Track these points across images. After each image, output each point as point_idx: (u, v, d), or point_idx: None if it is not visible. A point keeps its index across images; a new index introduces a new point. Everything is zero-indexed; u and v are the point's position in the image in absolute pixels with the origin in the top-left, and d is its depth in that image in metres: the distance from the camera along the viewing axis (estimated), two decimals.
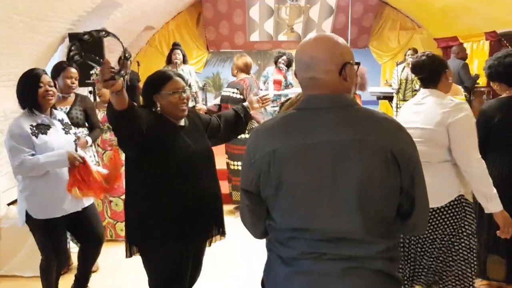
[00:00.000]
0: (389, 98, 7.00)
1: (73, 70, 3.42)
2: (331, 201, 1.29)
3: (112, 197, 4.00)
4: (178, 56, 5.93)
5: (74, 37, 5.29)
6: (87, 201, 2.83)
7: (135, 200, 2.16)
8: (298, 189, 1.31)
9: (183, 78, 2.23)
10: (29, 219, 2.65)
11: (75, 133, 2.79)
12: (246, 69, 4.86)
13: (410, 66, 2.82)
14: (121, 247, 2.45)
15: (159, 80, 2.18)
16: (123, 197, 2.36)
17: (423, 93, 2.45)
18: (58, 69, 3.41)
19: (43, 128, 2.61)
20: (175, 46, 6.16)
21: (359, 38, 8.69)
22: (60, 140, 2.66)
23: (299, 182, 1.31)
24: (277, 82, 7.05)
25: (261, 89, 6.90)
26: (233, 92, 4.66)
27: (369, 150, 1.28)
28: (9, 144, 2.55)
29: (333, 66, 1.35)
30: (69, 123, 2.84)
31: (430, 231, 2.36)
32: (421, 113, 2.39)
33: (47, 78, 2.64)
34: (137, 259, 2.21)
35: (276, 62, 6.94)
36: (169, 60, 6.10)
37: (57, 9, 4.71)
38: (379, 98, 7.46)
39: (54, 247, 2.71)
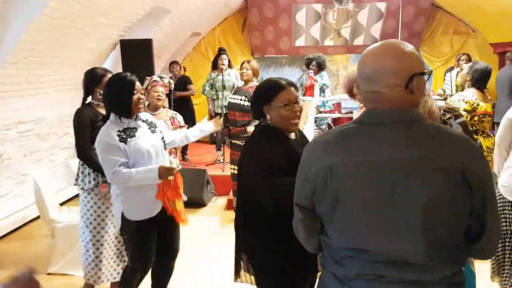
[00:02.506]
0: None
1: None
2: (390, 223, 1.21)
3: None
4: (224, 61, 5.97)
5: (125, 44, 5.46)
6: None
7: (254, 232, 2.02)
8: (356, 209, 1.24)
9: (296, 87, 2.06)
10: (124, 223, 2.61)
11: (160, 131, 2.76)
12: (257, 74, 4.81)
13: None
14: None
15: (271, 90, 2.01)
16: None
17: None
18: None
19: (130, 132, 2.55)
20: (221, 51, 6.21)
21: (409, 42, 8.34)
22: (149, 140, 2.60)
23: (357, 201, 1.24)
24: (308, 89, 7.00)
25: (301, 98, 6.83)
26: (241, 99, 4.53)
27: (436, 171, 1.18)
28: (101, 156, 2.51)
29: (399, 79, 1.25)
30: (154, 122, 2.77)
31: None
32: None
33: (139, 85, 2.60)
34: None
35: (308, 67, 6.95)
36: (215, 65, 6.17)
37: (109, 16, 4.87)
38: None
39: (143, 252, 2.64)
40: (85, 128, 2.96)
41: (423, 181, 1.18)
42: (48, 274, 3.63)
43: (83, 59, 5.02)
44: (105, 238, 3.10)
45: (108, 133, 2.51)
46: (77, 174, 3.11)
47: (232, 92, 4.91)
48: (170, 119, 3.64)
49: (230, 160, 4.89)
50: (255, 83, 4.75)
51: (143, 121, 2.67)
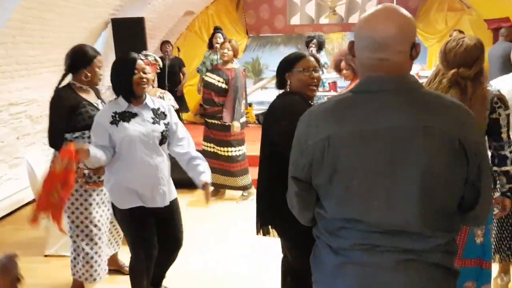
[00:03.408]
0: None
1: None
2: (389, 192, 1.21)
3: None
4: (219, 40, 5.88)
5: (117, 23, 5.36)
6: (174, 194, 2.70)
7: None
8: (354, 179, 1.23)
9: (317, 60, 2.28)
10: (116, 211, 2.58)
11: (166, 124, 2.59)
12: (237, 54, 4.89)
13: None
14: None
15: (293, 59, 2.24)
16: None
17: None
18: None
19: (127, 116, 2.48)
20: (217, 30, 6.11)
21: None
22: (142, 129, 2.48)
23: (355, 171, 1.22)
24: None
25: None
26: (220, 81, 4.63)
27: (435, 139, 1.18)
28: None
29: (407, 46, 1.24)
30: (165, 113, 2.62)
31: None
32: None
33: (142, 64, 2.51)
34: None
35: (307, 46, 6.86)
36: (211, 45, 6.07)
37: None
38: None
39: (140, 238, 2.56)
40: (61, 114, 2.71)
41: (422, 149, 1.18)
42: (45, 256, 3.64)
43: (74, 38, 4.92)
44: (96, 233, 2.88)
45: (103, 111, 2.51)
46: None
47: (210, 70, 4.88)
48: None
49: (204, 137, 4.92)
50: (235, 64, 4.76)
51: (152, 109, 2.57)
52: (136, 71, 2.45)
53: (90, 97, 2.86)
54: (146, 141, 2.49)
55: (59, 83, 2.83)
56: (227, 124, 4.67)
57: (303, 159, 1.30)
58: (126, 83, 2.46)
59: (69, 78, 2.85)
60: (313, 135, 1.27)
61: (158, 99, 2.72)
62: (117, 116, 2.47)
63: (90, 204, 2.84)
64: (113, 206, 2.57)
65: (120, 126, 2.45)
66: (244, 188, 4.89)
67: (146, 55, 3.42)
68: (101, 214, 2.92)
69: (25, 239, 4.05)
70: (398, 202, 1.20)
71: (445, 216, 1.25)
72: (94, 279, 2.92)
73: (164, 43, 6.88)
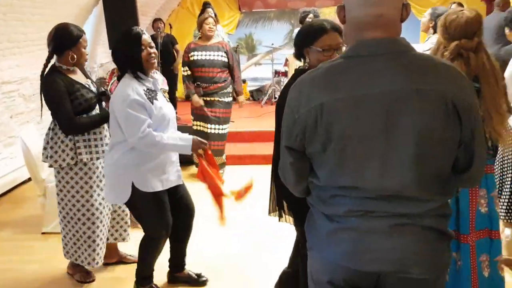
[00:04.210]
0: None
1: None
2: (384, 157, 1.21)
3: None
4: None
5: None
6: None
7: None
8: (348, 146, 1.22)
9: (340, 33, 1.98)
10: (135, 195, 2.44)
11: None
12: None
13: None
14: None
15: (314, 33, 1.99)
16: None
17: None
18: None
19: (154, 94, 2.39)
20: (206, 5, 6.05)
21: None
22: (168, 105, 2.45)
23: (350, 138, 1.22)
24: None
25: None
26: (221, 56, 4.55)
27: (429, 101, 1.18)
28: (124, 113, 2.30)
29: (399, 2, 1.24)
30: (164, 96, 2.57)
31: None
32: None
33: (147, 38, 2.39)
34: None
35: (301, 22, 6.78)
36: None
37: None
38: None
39: (163, 221, 2.52)
40: (65, 98, 2.59)
41: (417, 111, 1.18)
42: (42, 233, 3.68)
43: (66, 15, 4.86)
44: (98, 216, 2.81)
45: (135, 89, 2.34)
46: (48, 150, 2.73)
47: (197, 49, 4.65)
48: None
49: (198, 117, 4.74)
50: (217, 38, 4.74)
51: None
52: (143, 47, 2.36)
53: (79, 78, 2.74)
54: (173, 120, 2.49)
55: (45, 68, 2.67)
56: (227, 101, 4.65)
57: (296, 128, 1.29)
58: (135, 61, 2.36)
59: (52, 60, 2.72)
60: (305, 103, 1.25)
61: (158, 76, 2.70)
62: (149, 93, 2.38)
63: (91, 187, 2.77)
64: (133, 188, 2.43)
65: (155, 104, 2.37)
66: (223, 165, 4.89)
67: None
68: (103, 196, 2.82)
69: (22, 217, 4.09)
70: (393, 166, 1.21)
71: (440, 179, 1.26)
72: (97, 263, 2.87)
73: (156, 21, 6.80)
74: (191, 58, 4.61)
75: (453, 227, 2.32)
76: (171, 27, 7.22)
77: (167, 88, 3.67)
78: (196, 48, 4.64)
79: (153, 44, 2.44)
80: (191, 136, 2.46)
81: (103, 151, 2.76)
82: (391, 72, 1.21)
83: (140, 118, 2.30)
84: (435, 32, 3.75)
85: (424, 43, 3.85)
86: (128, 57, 2.37)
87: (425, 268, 1.28)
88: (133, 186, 2.43)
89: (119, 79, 2.45)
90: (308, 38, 2.02)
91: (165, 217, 2.53)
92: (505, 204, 2.98)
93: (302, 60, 2.12)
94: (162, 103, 2.45)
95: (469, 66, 2.19)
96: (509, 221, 2.98)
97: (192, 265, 2.95)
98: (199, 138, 2.46)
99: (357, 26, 1.27)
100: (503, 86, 2.26)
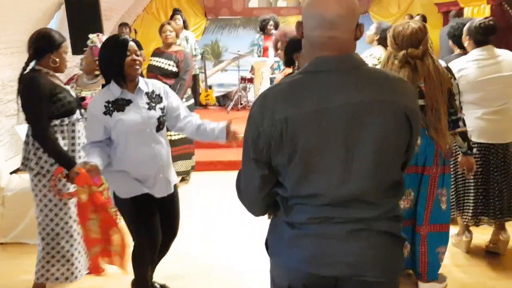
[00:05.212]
0: None
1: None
2: (345, 166, 1.28)
3: None
4: (178, 22, 5.82)
5: (70, 3, 5.20)
6: (174, 179, 2.60)
7: None
8: (313, 156, 1.28)
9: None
10: (117, 201, 2.46)
11: (162, 108, 2.47)
12: (178, 36, 4.90)
13: (476, 27, 3.07)
14: None
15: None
16: None
17: (484, 49, 3.03)
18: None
19: (121, 105, 2.35)
20: (176, 11, 6.05)
21: (359, 3, 8.50)
22: (137, 118, 2.36)
23: (314, 149, 1.28)
24: (266, 49, 6.99)
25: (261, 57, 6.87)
26: (170, 64, 4.56)
27: (386, 111, 1.28)
28: (86, 124, 2.45)
29: (353, 25, 1.32)
30: (161, 96, 2.49)
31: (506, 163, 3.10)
32: (496, 64, 3.00)
33: (134, 46, 2.38)
34: None
35: (262, 29, 6.88)
36: None
37: None
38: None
39: (147, 226, 2.48)
40: (45, 101, 2.54)
41: (376, 122, 1.27)
42: (1, 244, 3.56)
43: (26, 19, 4.74)
44: (74, 227, 2.75)
45: (95, 101, 2.37)
46: (26, 156, 2.66)
47: (155, 55, 4.72)
48: None
49: None
50: (177, 46, 4.76)
51: (147, 93, 2.44)
52: (128, 53, 2.34)
53: (60, 82, 2.71)
54: (142, 130, 2.38)
55: (24, 70, 2.62)
56: None
57: (261, 140, 1.32)
58: (117, 67, 2.33)
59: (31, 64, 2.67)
60: (270, 116, 1.29)
61: (154, 80, 2.58)
62: (110, 105, 2.34)
63: (68, 207, 2.73)
64: (115, 196, 2.45)
65: (114, 117, 2.33)
66: (184, 173, 4.85)
67: (97, 36, 3.29)
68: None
69: None
70: (354, 174, 1.28)
71: (394, 182, 1.36)
72: (76, 277, 2.80)
73: (121, 26, 6.72)
74: (149, 63, 4.69)
75: (411, 216, 2.69)
76: (136, 33, 7.16)
77: None
78: (155, 53, 4.72)
79: (139, 53, 2.42)
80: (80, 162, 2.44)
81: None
82: (350, 85, 1.28)
83: (88, 131, 2.43)
84: (379, 44, 4.04)
85: (369, 50, 4.10)
86: (111, 61, 2.35)
87: (381, 271, 1.35)
88: (114, 193, 2.44)
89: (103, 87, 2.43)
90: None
91: (148, 224, 2.49)
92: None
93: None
94: (130, 113, 2.36)
95: (417, 72, 2.43)
96: (453, 215, 3.23)
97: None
98: (80, 167, 2.28)
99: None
100: (447, 89, 2.50)
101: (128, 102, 2.38)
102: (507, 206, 3.15)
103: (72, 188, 2.61)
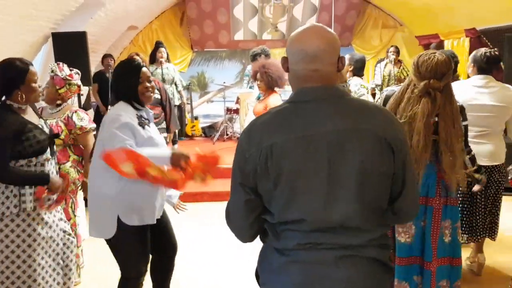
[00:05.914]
0: (373, 95, 7.14)
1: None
2: (329, 191, 1.32)
3: None
4: (163, 54, 5.93)
5: (58, 37, 5.26)
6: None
7: None
8: (297, 181, 1.32)
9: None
10: (120, 228, 2.28)
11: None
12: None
13: (482, 55, 3.20)
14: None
15: None
16: None
17: (484, 78, 3.17)
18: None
19: (147, 122, 2.33)
20: (159, 44, 6.16)
21: (342, 36, 8.79)
22: (160, 138, 2.36)
23: (298, 174, 1.32)
24: None
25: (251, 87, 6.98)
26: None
27: (367, 139, 1.32)
28: (110, 133, 2.19)
29: (334, 58, 1.39)
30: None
31: (493, 186, 3.22)
32: (489, 93, 3.13)
33: (147, 72, 2.35)
34: None
35: (254, 60, 7.02)
36: (153, 59, 6.09)
37: (40, 8, 4.68)
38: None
39: (140, 259, 2.41)
40: (8, 142, 2.29)
41: (357, 148, 1.31)
42: None
43: (12, 52, 4.78)
44: (39, 273, 2.40)
45: (127, 112, 2.26)
46: None
47: None
48: (64, 119, 3.07)
49: None
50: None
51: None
52: (141, 80, 2.32)
53: (32, 117, 2.46)
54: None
55: None
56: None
57: (247, 166, 1.37)
58: (131, 92, 2.32)
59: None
60: (256, 144, 1.35)
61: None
62: (142, 118, 2.32)
63: (35, 240, 2.39)
64: (119, 222, 2.28)
65: (146, 131, 2.29)
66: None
67: (58, 65, 3.20)
68: (47, 251, 2.45)
69: None
70: (337, 199, 1.31)
71: (379, 210, 1.39)
72: None
73: (106, 57, 6.78)
74: None
75: (419, 253, 2.52)
76: None
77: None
78: None
79: (152, 78, 2.42)
80: (170, 150, 2.26)
81: (48, 199, 2.45)
82: (333, 114, 1.35)
83: (121, 137, 2.16)
84: (354, 75, 4.20)
85: (353, 82, 4.20)
86: (125, 87, 2.33)
87: None
88: (118, 219, 2.27)
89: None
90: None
91: (147, 254, 2.46)
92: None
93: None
94: (153, 132, 2.37)
95: (435, 104, 2.35)
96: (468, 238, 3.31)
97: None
98: (180, 151, 2.22)
99: (298, 77, 1.42)
100: (460, 128, 2.44)
101: (148, 120, 2.37)
102: (482, 226, 3.24)
103: (54, 196, 2.47)
